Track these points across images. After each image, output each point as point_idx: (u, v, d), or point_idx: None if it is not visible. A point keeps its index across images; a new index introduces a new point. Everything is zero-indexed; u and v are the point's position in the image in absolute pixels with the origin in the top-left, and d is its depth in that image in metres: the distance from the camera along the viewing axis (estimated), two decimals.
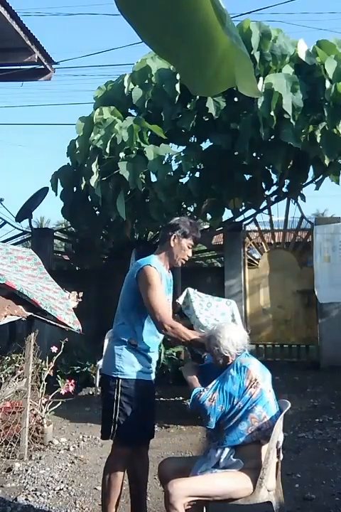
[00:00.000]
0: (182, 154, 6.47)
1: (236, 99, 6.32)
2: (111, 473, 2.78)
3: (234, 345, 2.59)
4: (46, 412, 4.80)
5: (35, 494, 3.63)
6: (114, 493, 2.76)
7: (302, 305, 8.27)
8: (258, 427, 2.47)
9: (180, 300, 5.38)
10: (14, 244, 8.80)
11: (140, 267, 2.80)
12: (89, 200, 7.06)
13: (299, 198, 7.85)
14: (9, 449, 4.29)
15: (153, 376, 2.91)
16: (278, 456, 2.57)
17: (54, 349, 5.20)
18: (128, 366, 2.76)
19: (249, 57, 1.35)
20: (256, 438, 2.48)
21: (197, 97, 6.26)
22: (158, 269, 2.79)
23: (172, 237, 2.89)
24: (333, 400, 6.14)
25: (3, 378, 4.44)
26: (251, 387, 2.48)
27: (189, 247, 2.93)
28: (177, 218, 3.01)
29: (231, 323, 2.77)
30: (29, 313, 3.93)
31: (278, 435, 2.51)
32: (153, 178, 6.58)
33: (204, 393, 2.50)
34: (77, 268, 10.44)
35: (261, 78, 5.99)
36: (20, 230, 9.90)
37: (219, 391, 2.48)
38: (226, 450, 2.49)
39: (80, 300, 4.95)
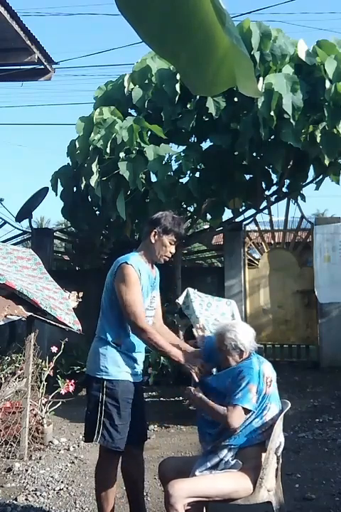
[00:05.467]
0: (182, 154, 6.47)
1: (236, 99, 6.31)
2: (104, 478, 2.71)
3: (249, 341, 2.60)
4: (46, 412, 4.80)
5: (35, 494, 3.63)
6: (110, 495, 2.70)
7: (302, 305, 8.27)
8: (269, 426, 2.48)
9: (180, 300, 5.38)
10: (14, 244, 8.80)
11: (118, 264, 2.71)
12: (89, 200, 7.06)
13: (299, 198, 7.85)
14: (9, 449, 4.29)
15: (139, 377, 2.83)
16: (278, 461, 2.56)
17: (54, 349, 5.20)
18: (113, 366, 2.67)
19: (249, 57, 1.35)
20: (263, 438, 2.49)
21: (197, 97, 6.26)
22: (136, 267, 2.67)
23: (153, 233, 2.75)
24: (333, 399, 6.14)
25: (3, 378, 4.44)
26: (267, 385, 2.49)
27: (171, 244, 2.77)
28: (160, 213, 2.83)
29: (241, 321, 2.75)
30: (29, 313, 3.93)
31: (278, 435, 2.51)
32: (153, 178, 6.58)
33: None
34: (77, 268, 10.44)
35: (261, 78, 5.99)
36: (20, 230, 9.91)
37: (253, 392, 2.45)
38: (229, 451, 2.48)
39: (80, 300, 4.95)
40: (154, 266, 2.88)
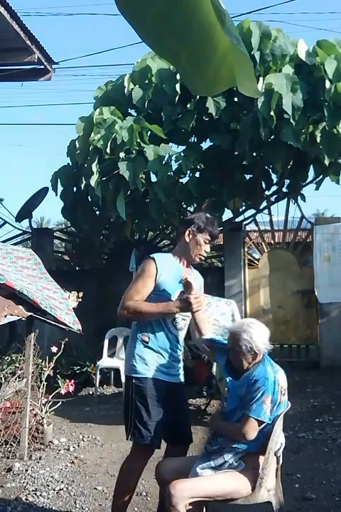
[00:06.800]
0: (182, 154, 6.47)
1: (236, 99, 6.31)
2: (127, 475, 2.72)
3: (264, 342, 2.54)
4: (46, 412, 4.80)
5: (35, 494, 3.62)
6: (128, 494, 2.73)
7: (302, 305, 8.27)
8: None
9: None
10: (14, 244, 8.80)
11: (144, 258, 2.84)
12: (89, 200, 7.06)
13: (299, 198, 7.85)
14: (9, 449, 4.29)
15: (175, 377, 2.80)
16: (278, 461, 2.56)
17: (54, 349, 5.20)
18: (141, 364, 2.70)
19: (249, 57, 1.34)
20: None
21: (197, 97, 6.26)
22: (157, 261, 2.72)
23: (187, 232, 2.83)
24: (333, 399, 6.14)
25: (3, 378, 4.44)
26: (282, 394, 2.48)
27: (205, 242, 2.83)
28: (193, 214, 3.00)
29: (257, 321, 2.66)
30: (29, 313, 3.93)
31: (278, 435, 2.51)
32: (153, 178, 6.58)
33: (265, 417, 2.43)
34: (77, 268, 10.44)
35: (261, 78, 5.99)
36: (20, 230, 9.90)
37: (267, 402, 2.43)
38: (235, 455, 2.47)
39: (80, 300, 4.96)
40: (193, 268, 2.93)
